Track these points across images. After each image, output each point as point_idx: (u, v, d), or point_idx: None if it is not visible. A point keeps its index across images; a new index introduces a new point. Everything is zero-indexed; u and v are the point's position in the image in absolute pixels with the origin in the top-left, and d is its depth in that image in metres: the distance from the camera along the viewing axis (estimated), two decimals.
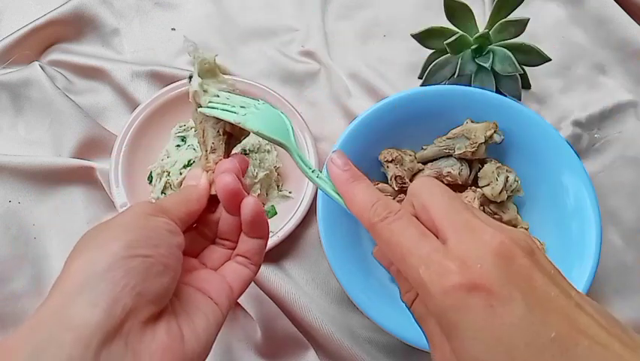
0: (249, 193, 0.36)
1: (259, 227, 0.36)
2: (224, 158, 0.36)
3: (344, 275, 0.47)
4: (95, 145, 0.56)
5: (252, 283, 0.50)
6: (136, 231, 0.29)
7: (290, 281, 0.51)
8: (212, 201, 0.36)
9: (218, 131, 0.37)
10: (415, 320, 0.33)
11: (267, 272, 0.51)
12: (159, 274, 0.28)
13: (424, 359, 0.50)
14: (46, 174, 0.54)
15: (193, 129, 0.55)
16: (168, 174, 0.53)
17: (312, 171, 0.35)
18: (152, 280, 0.28)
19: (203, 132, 0.37)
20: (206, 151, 0.37)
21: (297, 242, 0.54)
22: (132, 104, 0.59)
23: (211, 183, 0.36)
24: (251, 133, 0.35)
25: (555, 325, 0.24)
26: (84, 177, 0.55)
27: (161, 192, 0.53)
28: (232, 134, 0.37)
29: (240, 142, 0.38)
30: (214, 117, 0.36)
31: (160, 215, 0.31)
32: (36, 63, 0.59)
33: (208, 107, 0.36)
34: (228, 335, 0.50)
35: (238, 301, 0.49)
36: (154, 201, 0.33)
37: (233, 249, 0.37)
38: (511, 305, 0.24)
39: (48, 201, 0.55)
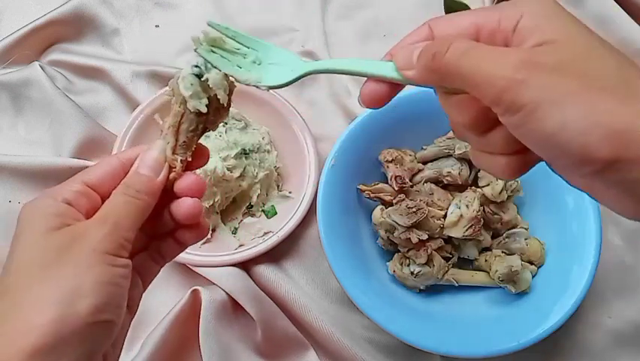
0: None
1: (194, 243, 0.34)
2: (193, 151, 0.33)
3: (344, 275, 0.47)
4: (95, 145, 0.56)
5: (252, 283, 0.50)
6: (103, 288, 0.27)
7: (290, 281, 0.51)
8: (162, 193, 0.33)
9: (197, 125, 0.33)
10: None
11: (267, 272, 0.51)
12: (112, 337, 0.28)
13: (424, 359, 0.50)
14: (46, 174, 0.54)
15: None
16: None
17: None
18: (105, 345, 0.28)
19: (181, 117, 0.33)
20: (176, 142, 0.33)
21: (297, 242, 0.54)
22: (132, 104, 0.59)
23: (171, 181, 0.33)
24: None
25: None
26: None
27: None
28: (206, 128, 0.34)
29: (212, 130, 0.35)
30: (198, 110, 0.32)
31: (121, 253, 0.29)
32: (36, 63, 0.59)
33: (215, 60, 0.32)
34: (228, 335, 0.50)
35: (238, 301, 0.49)
36: (110, 221, 0.29)
37: (154, 237, 0.34)
38: None
39: None
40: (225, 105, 0.33)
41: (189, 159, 0.33)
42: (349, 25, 0.65)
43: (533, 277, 0.50)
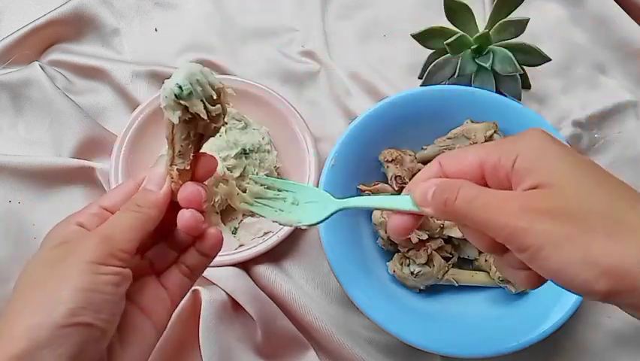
0: (209, 218, 0.35)
1: (214, 252, 0.36)
2: (192, 160, 0.34)
3: (344, 275, 0.47)
4: (95, 145, 0.56)
5: (252, 283, 0.50)
6: (81, 293, 0.28)
7: (290, 281, 0.51)
8: (172, 205, 0.34)
9: (189, 133, 0.33)
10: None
11: (267, 272, 0.51)
12: (96, 341, 0.29)
13: (424, 359, 0.50)
14: (46, 174, 0.54)
15: None
16: None
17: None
18: (90, 348, 0.29)
19: (173, 128, 0.33)
20: (173, 153, 0.34)
21: (297, 242, 0.54)
22: (132, 104, 0.59)
23: (174, 191, 0.34)
24: (227, 123, 0.34)
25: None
26: (84, 177, 0.55)
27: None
28: (203, 135, 0.34)
29: (209, 138, 0.35)
30: (188, 118, 0.33)
31: (110, 263, 0.30)
32: (36, 63, 0.59)
33: (256, 206, 0.37)
34: (228, 335, 0.50)
35: (238, 301, 0.49)
36: (103, 233, 0.31)
37: (180, 250, 0.36)
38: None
39: (48, 201, 0.55)
40: (220, 112, 0.33)
41: (187, 167, 0.34)
42: (349, 25, 0.65)
43: None
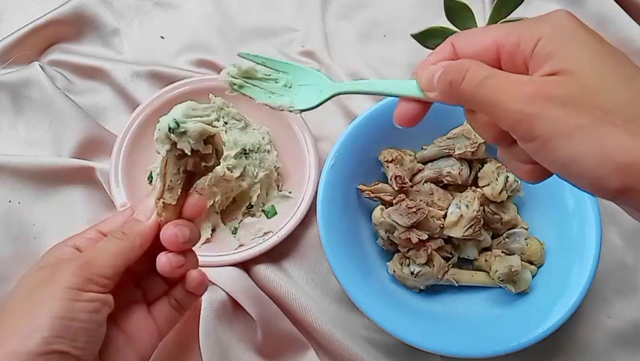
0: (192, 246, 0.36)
1: (198, 290, 0.37)
2: (182, 197, 0.35)
3: (344, 275, 0.47)
4: (95, 145, 0.56)
5: (252, 283, 0.50)
6: (57, 321, 0.29)
7: (290, 281, 0.51)
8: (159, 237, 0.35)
9: (178, 169, 0.34)
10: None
11: (267, 272, 0.51)
12: None
13: (424, 359, 0.50)
14: (46, 174, 0.54)
15: None
16: None
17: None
18: None
19: (166, 164, 0.35)
20: (163, 186, 0.35)
21: (297, 242, 0.54)
22: (132, 104, 0.59)
23: (160, 224, 0.35)
24: (220, 164, 0.35)
25: None
26: (84, 177, 0.55)
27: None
28: (194, 173, 0.35)
29: (200, 176, 0.36)
30: (179, 153, 0.33)
31: (88, 288, 0.31)
32: (36, 63, 0.59)
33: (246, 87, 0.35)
34: (228, 335, 0.50)
35: (238, 301, 0.49)
36: (84, 259, 0.32)
37: (171, 283, 0.37)
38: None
39: (48, 201, 0.55)
40: (211, 152, 0.34)
41: (173, 202, 0.34)
42: (349, 25, 0.65)
43: (533, 277, 0.50)
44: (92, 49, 0.63)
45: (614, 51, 0.26)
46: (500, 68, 0.28)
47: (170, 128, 0.32)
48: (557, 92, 0.24)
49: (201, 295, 0.38)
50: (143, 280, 0.37)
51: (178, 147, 0.33)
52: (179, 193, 0.35)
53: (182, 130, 0.32)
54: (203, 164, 0.34)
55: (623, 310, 0.52)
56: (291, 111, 0.34)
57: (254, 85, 0.35)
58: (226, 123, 0.54)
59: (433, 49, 0.57)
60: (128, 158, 0.54)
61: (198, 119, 0.33)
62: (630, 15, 0.62)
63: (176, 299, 0.37)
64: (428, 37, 0.56)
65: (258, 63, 0.35)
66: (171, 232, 0.34)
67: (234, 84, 0.34)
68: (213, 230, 0.53)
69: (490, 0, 0.64)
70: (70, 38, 0.63)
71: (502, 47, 0.28)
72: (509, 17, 0.54)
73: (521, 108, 0.25)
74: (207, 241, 0.52)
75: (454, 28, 0.55)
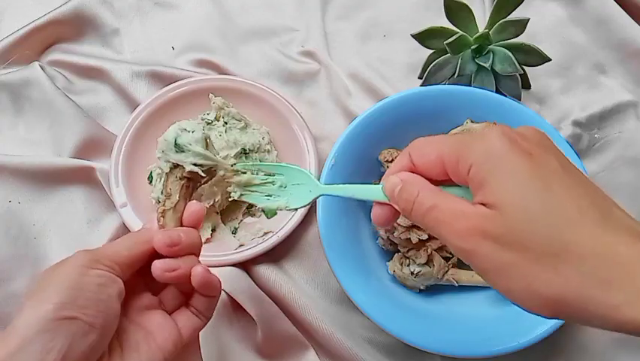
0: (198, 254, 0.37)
1: (209, 290, 0.38)
2: (182, 204, 0.38)
3: (344, 275, 0.47)
4: (95, 145, 0.56)
5: (252, 283, 0.50)
6: (65, 291, 0.31)
7: (290, 281, 0.51)
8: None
9: (176, 176, 0.37)
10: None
11: (267, 272, 0.51)
12: (84, 334, 0.31)
13: (424, 359, 0.50)
14: (46, 174, 0.54)
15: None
16: None
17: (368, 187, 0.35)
18: (78, 341, 0.30)
19: (167, 175, 0.38)
20: (165, 196, 0.38)
21: (297, 242, 0.54)
22: (132, 104, 0.59)
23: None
24: (218, 168, 0.39)
25: (591, 190, 0.27)
26: (84, 177, 0.55)
27: (161, 192, 0.53)
28: (192, 179, 0.38)
29: (198, 185, 0.40)
30: (176, 160, 0.37)
31: (96, 266, 0.33)
32: (36, 63, 0.59)
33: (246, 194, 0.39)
34: (228, 335, 0.50)
35: (238, 301, 0.49)
36: (97, 249, 0.35)
37: (190, 293, 0.38)
38: (549, 158, 0.27)
39: (48, 201, 0.55)
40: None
41: (169, 208, 0.37)
42: (349, 25, 0.65)
43: None
44: (92, 49, 0.63)
45: (544, 171, 0.27)
46: (450, 178, 0.30)
47: (175, 147, 0.37)
48: (487, 228, 0.27)
49: (216, 297, 0.38)
50: (161, 293, 0.39)
51: (180, 164, 0.37)
52: (176, 199, 0.37)
53: (184, 151, 0.37)
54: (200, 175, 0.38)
55: None
56: (287, 210, 0.39)
57: (252, 191, 0.39)
58: (226, 123, 0.54)
59: (433, 49, 0.57)
60: (128, 158, 0.54)
61: (193, 137, 0.37)
62: (630, 15, 0.62)
63: (195, 307, 0.38)
64: (428, 37, 0.56)
65: (253, 171, 0.39)
66: (161, 237, 0.36)
67: (235, 192, 0.40)
68: (213, 230, 0.53)
69: (490, 0, 0.64)
70: (70, 38, 0.63)
71: (446, 163, 0.30)
72: (509, 17, 0.54)
73: (459, 244, 0.27)
74: (207, 240, 0.52)
75: (454, 28, 0.55)
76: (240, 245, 0.52)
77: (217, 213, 0.53)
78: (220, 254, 0.51)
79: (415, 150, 0.32)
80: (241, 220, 0.54)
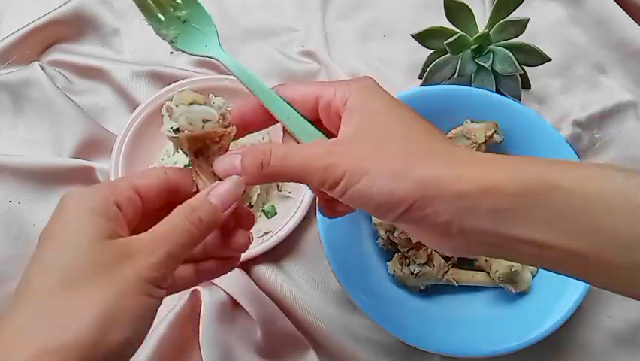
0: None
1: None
2: (200, 173, 0.33)
3: (344, 275, 0.47)
4: (95, 145, 0.56)
5: (252, 283, 0.50)
6: (139, 322, 0.26)
7: (290, 281, 0.51)
8: None
9: (178, 150, 0.34)
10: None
11: (267, 272, 0.51)
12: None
13: (424, 359, 0.50)
14: (46, 174, 0.54)
15: None
16: None
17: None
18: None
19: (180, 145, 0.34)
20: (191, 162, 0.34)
21: (297, 242, 0.54)
22: (132, 104, 0.59)
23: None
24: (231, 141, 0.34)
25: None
26: (84, 177, 0.55)
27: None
28: (200, 149, 0.33)
29: (223, 147, 0.34)
30: (183, 136, 0.32)
31: (162, 285, 0.28)
32: (36, 63, 0.59)
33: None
34: (228, 335, 0.50)
35: (238, 301, 0.49)
36: (165, 250, 0.28)
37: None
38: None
39: (48, 201, 0.55)
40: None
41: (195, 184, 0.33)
42: (349, 25, 0.65)
43: (533, 277, 0.50)
44: (92, 49, 0.63)
45: (408, 110, 0.32)
46: (317, 117, 0.33)
47: (173, 130, 0.33)
48: (353, 138, 0.30)
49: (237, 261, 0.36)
50: None
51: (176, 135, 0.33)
52: (198, 168, 0.33)
53: (178, 128, 0.33)
54: (217, 138, 0.33)
55: (623, 310, 0.52)
56: (170, 45, 0.35)
57: (153, 3, 0.34)
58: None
59: (433, 49, 0.57)
60: (128, 158, 0.54)
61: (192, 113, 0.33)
62: (630, 15, 0.62)
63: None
64: (428, 38, 0.56)
65: None
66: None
67: None
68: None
69: (490, 0, 0.64)
70: (70, 38, 0.63)
71: (320, 98, 0.32)
72: (509, 17, 0.54)
73: (322, 164, 0.29)
74: None
75: (454, 28, 0.55)
76: None
77: None
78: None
79: (286, 88, 0.34)
80: None
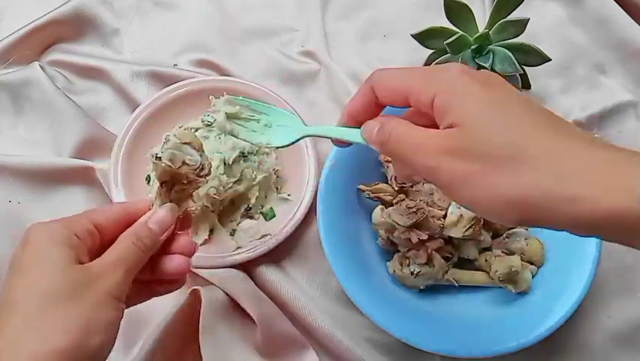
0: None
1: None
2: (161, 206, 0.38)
3: (344, 275, 0.47)
4: (95, 145, 0.56)
5: (252, 283, 0.50)
6: (111, 329, 0.32)
7: (290, 281, 0.51)
8: None
9: (162, 183, 0.38)
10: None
11: (267, 272, 0.51)
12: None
13: (424, 359, 0.50)
14: (46, 174, 0.54)
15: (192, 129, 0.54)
16: None
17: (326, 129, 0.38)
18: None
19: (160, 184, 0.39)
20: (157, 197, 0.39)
21: (297, 242, 0.54)
22: (132, 104, 0.59)
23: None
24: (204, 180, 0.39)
25: (545, 111, 0.30)
26: (84, 177, 0.55)
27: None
28: (167, 182, 0.38)
29: (193, 189, 0.39)
30: (159, 165, 0.37)
31: (124, 300, 0.33)
32: (36, 63, 0.59)
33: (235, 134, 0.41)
34: (228, 334, 0.50)
35: (238, 301, 0.49)
36: (125, 268, 0.34)
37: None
38: (506, 87, 0.31)
39: (48, 201, 0.55)
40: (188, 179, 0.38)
41: (150, 208, 0.38)
42: (349, 26, 0.65)
43: (533, 277, 0.50)
44: (92, 49, 0.63)
45: (502, 97, 0.30)
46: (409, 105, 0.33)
47: (155, 156, 0.37)
48: (453, 145, 0.29)
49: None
50: None
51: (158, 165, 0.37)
52: (161, 202, 0.38)
53: (160, 156, 0.37)
54: (186, 180, 0.38)
55: (623, 310, 0.52)
56: (268, 147, 0.41)
57: (237, 124, 0.41)
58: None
59: (433, 49, 0.57)
60: (128, 159, 0.54)
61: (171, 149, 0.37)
62: (630, 15, 0.62)
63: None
64: (428, 37, 0.56)
65: (242, 105, 0.41)
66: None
67: (220, 121, 0.41)
68: (211, 231, 0.53)
69: (490, 0, 0.64)
70: (70, 38, 0.63)
71: (409, 94, 0.32)
72: (509, 17, 0.54)
73: (426, 162, 0.30)
74: (205, 242, 0.52)
75: (454, 29, 0.55)
76: (238, 247, 0.52)
77: (213, 212, 0.53)
78: (220, 255, 0.51)
79: (378, 83, 0.34)
80: (239, 222, 0.54)
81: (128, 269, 0.34)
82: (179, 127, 0.53)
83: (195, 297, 0.49)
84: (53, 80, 0.58)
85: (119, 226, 0.36)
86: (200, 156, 0.38)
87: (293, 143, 0.40)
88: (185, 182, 0.38)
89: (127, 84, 0.59)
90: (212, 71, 0.61)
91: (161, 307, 0.49)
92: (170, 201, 0.38)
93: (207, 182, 0.40)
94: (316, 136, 0.39)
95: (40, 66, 0.58)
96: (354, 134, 0.37)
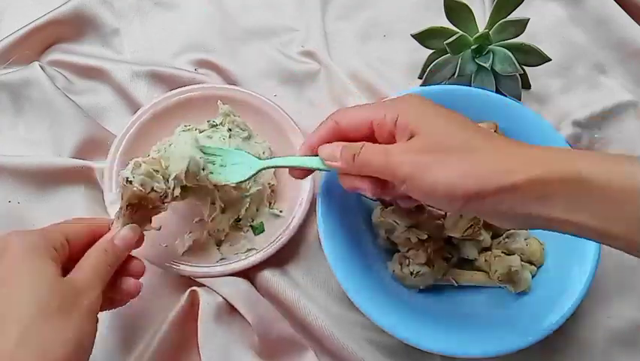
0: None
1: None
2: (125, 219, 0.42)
3: (344, 275, 0.47)
4: (95, 145, 0.56)
5: (249, 286, 0.50)
6: (92, 341, 0.36)
7: (290, 282, 0.51)
8: None
9: (127, 205, 0.41)
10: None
11: (266, 273, 0.51)
12: None
13: (424, 359, 0.50)
14: (46, 174, 0.54)
15: (197, 130, 0.54)
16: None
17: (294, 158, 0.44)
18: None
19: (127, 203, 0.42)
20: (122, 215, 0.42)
21: (297, 243, 0.54)
22: (132, 104, 0.59)
23: None
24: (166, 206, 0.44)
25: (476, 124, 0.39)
26: (84, 177, 0.55)
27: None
28: (134, 204, 0.41)
29: (155, 213, 0.44)
30: (130, 188, 0.41)
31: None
32: (36, 63, 0.59)
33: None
34: (227, 336, 0.50)
35: (235, 306, 0.49)
36: (101, 285, 0.37)
37: None
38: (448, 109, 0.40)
39: (48, 201, 0.55)
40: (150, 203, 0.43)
41: (110, 228, 0.42)
42: (349, 26, 0.65)
43: (533, 277, 0.50)
44: (92, 49, 0.63)
45: (452, 113, 0.38)
46: (373, 137, 0.40)
47: (126, 179, 0.41)
48: (414, 146, 0.36)
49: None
50: None
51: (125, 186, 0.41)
52: (122, 224, 0.41)
53: (131, 180, 0.41)
54: (152, 205, 0.42)
55: (623, 310, 0.52)
56: (226, 184, 0.45)
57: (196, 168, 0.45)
58: (230, 130, 0.53)
59: (433, 49, 0.57)
60: (122, 163, 0.52)
61: (141, 177, 0.41)
62: (630, 15, 0.62)
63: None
64: (428, 37, 0.56)
65: (204, 152, 0.45)
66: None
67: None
68: (197, 240, 0.52)
69: (490, 0, 0.64)
70: (70, 38, 0.63)
71: (374, 121, 0.39)
72: (509, 17, 0.54)
73: (393, 159, 0.36)
74: (189, 249, 0.51)
75: (454, 29, 0.55)
76: (222, 258, 0.51)
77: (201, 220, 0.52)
78: (220, 264, 0.50)
79: (342, 117, 0.41)
80: (227, 233, 0.53)
81: (103, 284, 0.37)
82: (185, 126, 0.53)
83: (194, 298, 0.49)
84: (53, 80, 0.58)
85: (82, 242, 0.39)
86: (165, 183, 0.42)
87: (251, 177, 0.45)
88: (151, 207, 0.42)
89: (127, 84, 0.59)
90: (212, 71, 0.61)
91: (161, 309, 0.49)
92: (133, 223, 0.42)
93: (166, 209, 0.44)
94: (275, 167, 0.43)
95: (40, 66, 0.58)
96: (313, 161, 0.42)
